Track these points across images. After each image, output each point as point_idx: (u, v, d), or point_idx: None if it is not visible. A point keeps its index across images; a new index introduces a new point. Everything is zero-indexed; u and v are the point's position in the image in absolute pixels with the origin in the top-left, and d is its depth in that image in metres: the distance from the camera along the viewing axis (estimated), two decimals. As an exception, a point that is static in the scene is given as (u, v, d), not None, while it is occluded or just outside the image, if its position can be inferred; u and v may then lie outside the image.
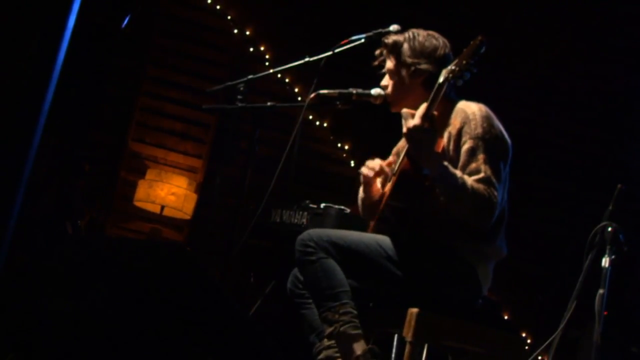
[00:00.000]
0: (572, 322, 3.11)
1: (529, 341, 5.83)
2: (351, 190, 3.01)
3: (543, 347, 3.14)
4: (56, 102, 2.16)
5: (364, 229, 2.97)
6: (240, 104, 3.24)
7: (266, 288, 4.46)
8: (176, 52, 6.40)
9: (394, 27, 3.09)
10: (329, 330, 2.66)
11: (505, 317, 5.89)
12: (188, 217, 6.12)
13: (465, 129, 2.70)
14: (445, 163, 2.62)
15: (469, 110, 2.74)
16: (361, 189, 2.99)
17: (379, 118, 3.10)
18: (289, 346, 3.86)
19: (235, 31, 6.30)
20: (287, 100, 5.76)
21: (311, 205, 4.15)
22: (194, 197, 6.08)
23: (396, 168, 2.88)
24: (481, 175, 2.63)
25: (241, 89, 3.24)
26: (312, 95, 3.09)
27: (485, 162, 2.65)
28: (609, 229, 3.05)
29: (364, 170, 2.91)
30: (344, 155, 6.38)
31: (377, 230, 2.86)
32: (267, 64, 6.18)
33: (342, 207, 4.01)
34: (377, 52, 2.98)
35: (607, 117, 6.46)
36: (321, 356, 2.70)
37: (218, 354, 2.45)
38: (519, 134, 6.00)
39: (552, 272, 6.28)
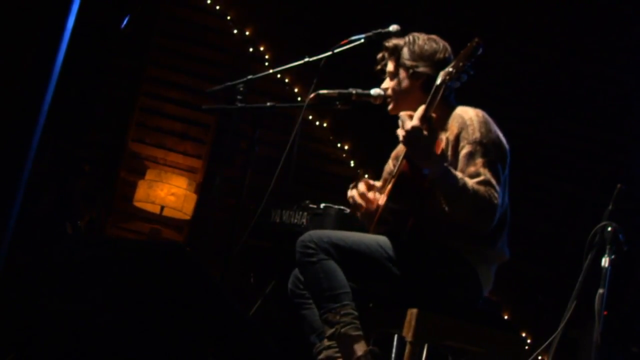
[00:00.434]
0: (572, 321, 3.11)
1: (529, 341, 5.83)
2: (355, 181, 3.00)
3: (543, 347, 3.14)
4: (56, 102, 2.16)
5: (363, 229, 2.97)
6: (240, 104, 3.24)
7: (266, 288, 4.46)
8: (176, 53, 6.40)
9: (393, 28, 3.09)
10: (329, 331, 2.66)
11: (505, 317, 5.89)
12: (188, 218, 6.12)
13: (463, 134, 2.71)
14: (446, 164, 2.62)
15: (466, 115, 2.75)
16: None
17: (379, 118, 3.10)
18: (289, 346, 3.87)
19: (235, 31, 6.30)
20: (286, 100, 5.76)
21: (311, 206, 4.16)
22: (193, 198, 6.08)
23: (396, 170, 2.88)
24: (481, 177, 2.63)
25: (241, 89, 3.24)
26: (312, 95, 3.09)
27: (484, 165, 2.65)
28: (609, 228, 3.05)
29: (356, 198, 2.91)
30: (344, 155, 6.38)
31: (377, 232, 2.86)
32: (266, 64, 6.18)
33: (342, 207, 4.01)
34: (379, 55, 2.99)
35: (607, 117, 6.46)
36: (321, 356, 2.70)
37: (218, 354, 2.45)
38: (519, 134, 6.02)
39: (552, 272, 6.29)
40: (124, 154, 6.31)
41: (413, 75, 2.87)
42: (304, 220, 4.14)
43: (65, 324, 2.44)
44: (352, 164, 6.34)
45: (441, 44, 2.89)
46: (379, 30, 3.12)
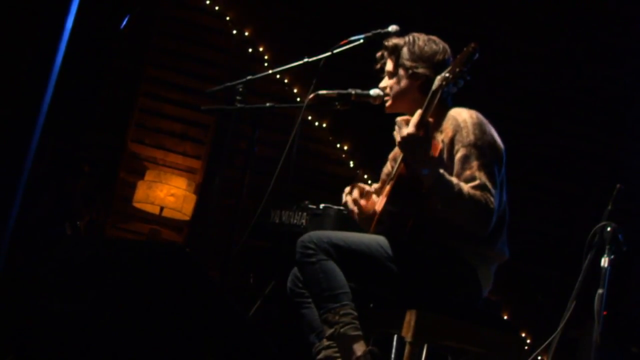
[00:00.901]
0: (571, 322, 3.11)
1: (528, 341, 5.82)
2: (350, 185, 3.00)
3: (543, 347, 3.14)
4: (55, 103, 2.15)
5: (363, 229, 2.97)
6: (239, 105, 3.24)
7: (266, 288, 4.46)
8: (175, 53, 6.40)
9: (392, 28, 3.10)
10: (329, 331, 2.66)
11: (505, 317, 5.89)
12: (187, 218, 6.11)
13: (457, 137, 2.71)
14: (441, 170, 2.62)
15: (460, 118, 2.75)
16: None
17: (378, 119, 3.10)
18: (288, 346, 3.87)
19: (234, 32, 6.30)
20: (286, 100, 5.76)
21: (310, 206, 4.16)
22: (193, 198, 6.08)
23: (394, 172, 2.89)
24: (476, 182, 2.63)
25: (240, 89, 3.24)
26: (311, 95, 3.09)
27: (480, 168, 2.65)
28: (608, 228, 3.05)
29: (349, 204, 2.91)
30: (343, 155, 6.38)
31: (376, 232, 2.86)
32: (266, 64, 6.17)
33: (341, 207, 4.00)
34: (378, 54, 2.99)
35: (607, 117, 6.46)
36: (320, 356, 2.70)
37: (218, 354, 2.45)
38: (518, 134, 6.02)
39: (552, 272, 6.29)
40: (124, 154, 6.30)
41: (412, 76, 2.87)
42: (304, 221, 4.14)
43: (64, 325, 2.44)
44: (351, 164, 6.34)
45: (441, 46, 2.89)
46: (378, 31, 3.12)
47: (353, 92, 3.06)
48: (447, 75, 2.64)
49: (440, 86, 2.65)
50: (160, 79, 6.36)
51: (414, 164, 2.64)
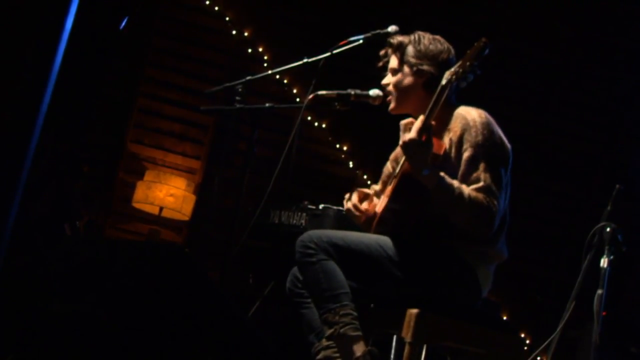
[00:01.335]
0: (571, 322, 3.11)
1: (528, 341, 5.83)
2: (350, 191, 3.01)
3: (542, 347, 3.14)
4: (54, 103, 2.15)
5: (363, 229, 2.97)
6: (238, 105, 3.24)
7: (265, 289, 4.46)
8: (174, 54, 6.40)
9: (392, 28, 3.10)
10: (329, 331, 2.66)
11: (505, 318, 5.89)
12: (187, 219, 6.11)
13: (466, 136, 2.71)
14: (442, 174, 2.63)
15: (469, 116, 2.74)
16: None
17: (378, 119, 3.10)
18: (288, 347, 3.87)
19: (234, 32, 6.30)
20: (285, 101, 5.76)
21: (310, 206, 4.15)
22: (192, 199, 6.08)
23: (397, 171, 2.89)
24: (481, 184, 2.64)
25: (239, 90, 3.24)
26: (311, 96, 3.09)
27: (486, 170, 2.66)
28: (608, 229, 3.05)
29: (351, 210, 2.93)
30: (343, 156, 6.38)
31: (378, 232, 2.86)
32: (265, 65, 6.17)
33: (341, 207, 4.00)
34: (382, 52, 2.99)
35: (606, 118, 6.46)
36: (320, 356, 2.70)
37: (217, 355, 2.45)
38: (518, 134, 6.02)
39: (551, 272, 6.29)
40: (123, 155, 6.30)
41: (417, 73, 2.86)
42: (303, 221, 4.14)
43: (64, 325, 2.44)
44: (351, 164, 6.34)
45: (445, 45, 2.90)
46: (378, 31, 3.12)
47: (352, 92, 3.06)
48: (457, 69, 2.65)
49: (450, 81, 2.66)
50: (159, 80, 6.36)
51: (413, 167, 2.65)
